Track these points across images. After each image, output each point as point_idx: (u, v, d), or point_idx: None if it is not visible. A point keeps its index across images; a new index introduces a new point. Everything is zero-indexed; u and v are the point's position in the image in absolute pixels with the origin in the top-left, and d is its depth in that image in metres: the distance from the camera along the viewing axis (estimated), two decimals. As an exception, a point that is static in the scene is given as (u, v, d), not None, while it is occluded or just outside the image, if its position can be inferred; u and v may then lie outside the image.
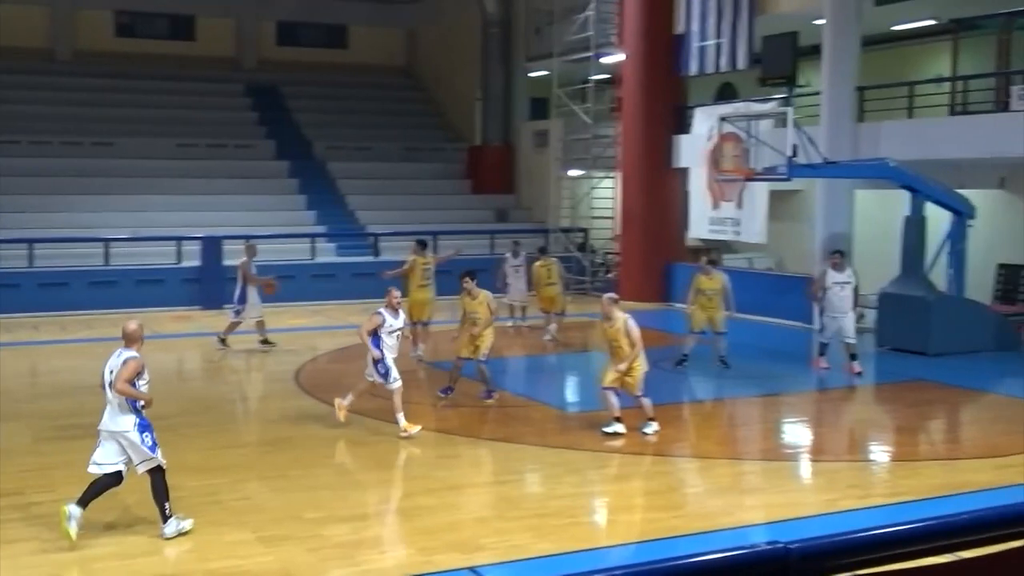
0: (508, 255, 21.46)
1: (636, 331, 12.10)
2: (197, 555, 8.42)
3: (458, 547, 8.54)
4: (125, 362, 8.66)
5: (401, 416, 12.17)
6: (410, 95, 37.23)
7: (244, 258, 18.81)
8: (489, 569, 8.09)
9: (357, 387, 12.80)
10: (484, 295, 14.04)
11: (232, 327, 18.53)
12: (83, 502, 8.49)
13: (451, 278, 15.67)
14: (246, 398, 15.27)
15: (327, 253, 26.78)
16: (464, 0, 33.04)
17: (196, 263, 24.62)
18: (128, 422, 8.64)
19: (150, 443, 8.70)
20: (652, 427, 12.19)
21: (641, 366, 12.16)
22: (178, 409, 13.36)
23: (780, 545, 3.18)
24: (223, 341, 18.42)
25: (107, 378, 8.72)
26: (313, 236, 26.52)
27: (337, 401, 12.69)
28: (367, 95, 35.42)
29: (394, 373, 12.35)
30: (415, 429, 12.17)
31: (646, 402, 12.18)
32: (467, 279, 14.06)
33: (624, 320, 12.25)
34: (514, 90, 32.37)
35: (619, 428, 12.05)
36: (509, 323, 21.72)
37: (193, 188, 28.09)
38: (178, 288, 24.24)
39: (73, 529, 8.34)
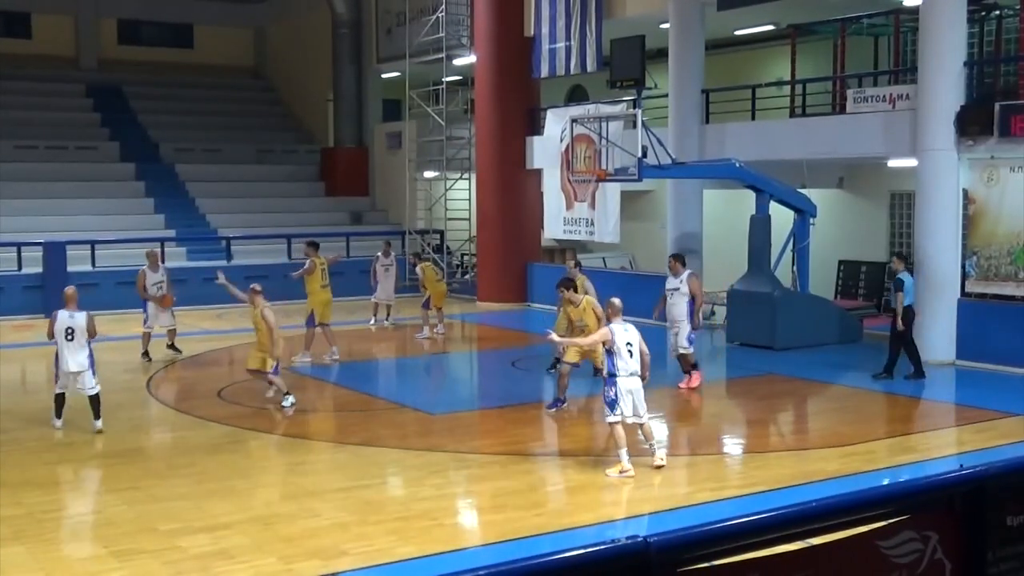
0: (379, 254, 21.51)
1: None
2: (45, 573, 8.12)
3: (319, 554, 8.45)
4: (90, 318, 12.52)
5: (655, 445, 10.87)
6: (260, 96, 36.67)
7: (144, 266, 18.23)
8: (352, 575, 8.03)
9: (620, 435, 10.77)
10: (587, 300, 13.43)
11: (147, 338, 18.09)
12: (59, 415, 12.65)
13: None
14: (94, 409, 14.74)
15: (177, 258, 26.12)
16: (313, 0, 32.71)
17: (38, 270, 23.75)
18: (85, 362, 12.45)
19: (93, 373, 12.57)
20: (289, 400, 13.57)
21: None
22: (23, 422, 12.85)
23: (640, 539, 3.26)
24: (146, 355, 17.98)
25: (77, 331, 12.39)
26: (163, 240, 25.81)
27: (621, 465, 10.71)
28: (215, 96, 34.77)
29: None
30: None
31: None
32: (563, 288, 13.62)
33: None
34: (366, 91, 32.16)
35: None
36: (372, 323, 21.64)
37: (33, 192, 27.14)
38: (19, 296, 23.36)
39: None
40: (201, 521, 9.29)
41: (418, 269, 20.48)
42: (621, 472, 10.52)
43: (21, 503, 9.95)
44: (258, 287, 14.26)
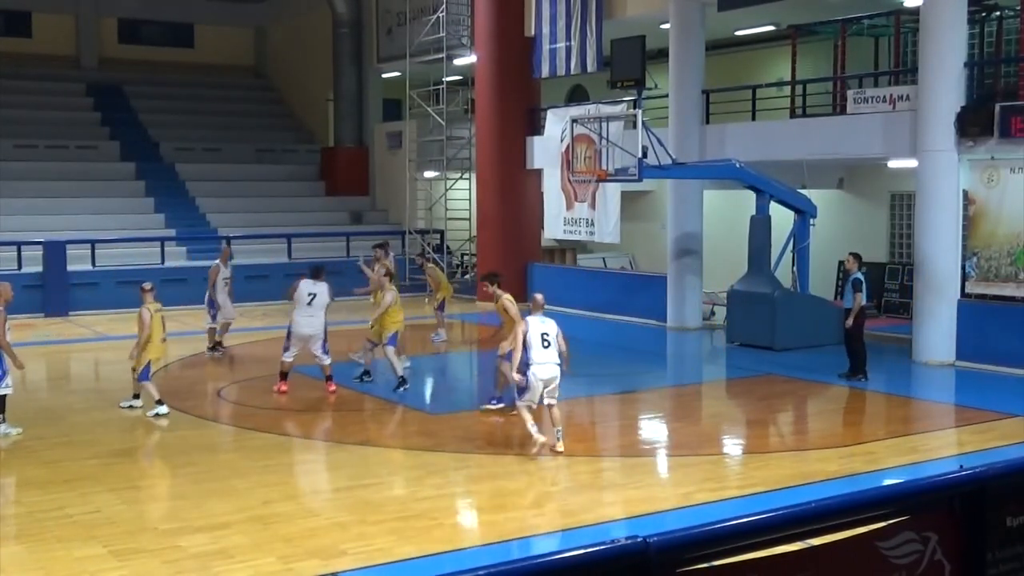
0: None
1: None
2: (45, 572, 8.12)
3: (319, 553, 8.45)
4: None
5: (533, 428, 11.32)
6: (260, 95, 36.70)
7: (216, 261, 18.36)
8: (351, 575, 8.03)
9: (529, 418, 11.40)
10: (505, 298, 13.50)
11: (212, 333, 18.40)
12: None
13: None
14: (94, 408, 14.77)
15: (177, 257, 26.15)
16: (313, 0, 32.73)
17: (38, 269, 23.74)
18: None
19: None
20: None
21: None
22: (22, 421, 12.83)
23: (639, 539, 3.25)
24: (216, 347, 18.37)
25: None
26: (163, 240, 25.87)
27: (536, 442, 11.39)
28: (216, 95, 34.80)
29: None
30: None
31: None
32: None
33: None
34: (367, 91, 32.18)
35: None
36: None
37: (33, 191, 27.14)
38: (19, 295, 23.21)
39: None
40: (200, 520, 9.29)
41: (427, 269, 20.37)
42: (539, 448, 11.21)
43: (21, 503, 9.96)
44: (147, 285, 13.87)
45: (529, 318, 11.40)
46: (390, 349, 15.01)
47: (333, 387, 14.78)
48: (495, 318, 14.20)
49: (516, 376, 11.31)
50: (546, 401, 11.36)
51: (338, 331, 17.84)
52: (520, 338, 11.20)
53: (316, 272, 15.09)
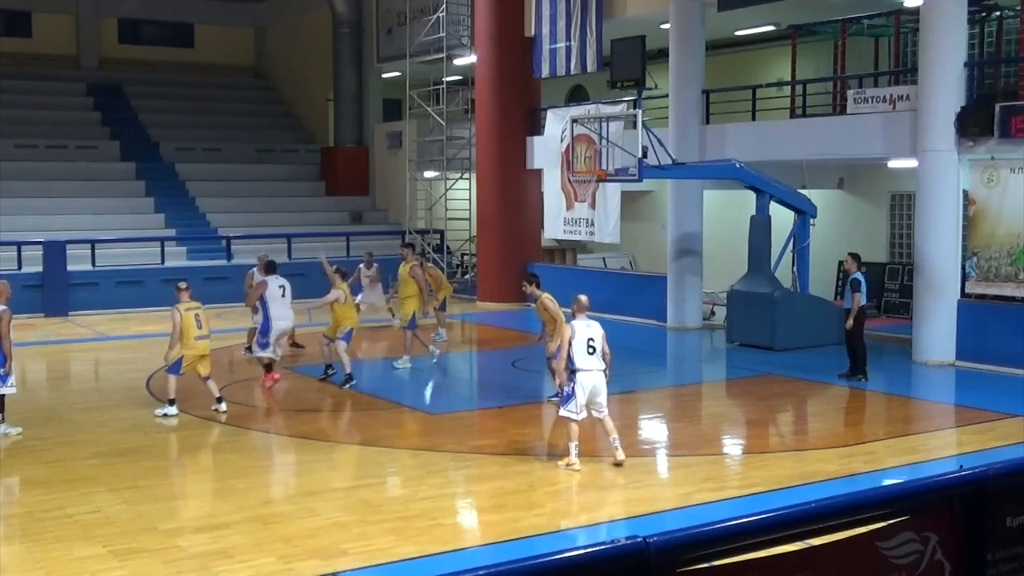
0: (361, 266, 21.25)
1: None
2: (45, 572, 8.12)
3: (319, 553, 8.45)
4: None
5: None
6: (260, 95, 36.71)
7: (253, 269, 18.42)
8: (351, 574, 8.03)
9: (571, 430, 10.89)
10: (544, 298, 13.36)
11: (252, 333, 18.24)
12: None
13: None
14: (94, 408, 14.77)
15: (177, 257, 26.15)
16: (313, 0, 32.74)
17: (38, 269, 23.74)
18: None
19: (2, 374, 12.01)
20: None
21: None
22: (22, 421, 12.83)
23: (639, 539, 3.26)
24: (249, 349, 18.04)
25: None
26: (163, 240, 25.87)
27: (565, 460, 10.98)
28: (216, 95, 34.82)
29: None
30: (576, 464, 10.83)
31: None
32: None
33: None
34: (367, 91, 32.19)
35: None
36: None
37: (34, 191, 27.16)
38: (19, 295, 23.21)
39: None
40: (201, 520, 9.30)
41: (428, 269, 20.31)
42: (567, 465, 10.81)
43: (21, 503, 9.96)
44: (182, 284, 13.90)
45: (574, 323, 10.93)
46: (342, 345, 15.22)
47: (278, 375, 15.23)
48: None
49: (559, 378, 11.25)
50: (594, 415, 10.90)
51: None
52: (567, 340, 10.80)
53: (272, 267, 15.72)
